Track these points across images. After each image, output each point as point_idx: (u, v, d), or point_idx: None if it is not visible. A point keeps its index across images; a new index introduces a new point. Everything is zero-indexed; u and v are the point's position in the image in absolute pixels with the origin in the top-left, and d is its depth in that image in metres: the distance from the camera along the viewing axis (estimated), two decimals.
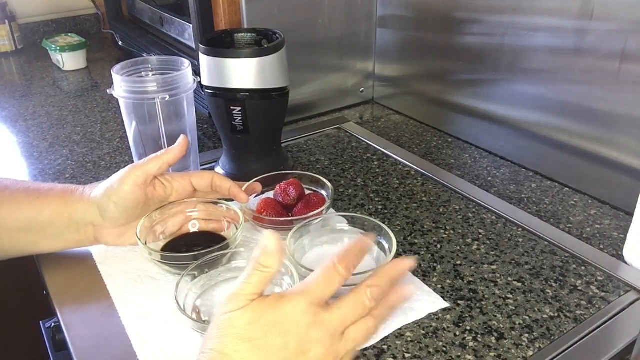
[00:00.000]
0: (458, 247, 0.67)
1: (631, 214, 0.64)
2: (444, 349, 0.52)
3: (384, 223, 0.62)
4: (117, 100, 0.72)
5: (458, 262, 0.64)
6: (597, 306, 0.57)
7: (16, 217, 0.57)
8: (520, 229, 0.70)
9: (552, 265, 0.63)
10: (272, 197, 0.70)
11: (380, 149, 0.92)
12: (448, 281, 0.61)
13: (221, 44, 0.79)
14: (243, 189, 0.66)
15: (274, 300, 0.41)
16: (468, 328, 0.55)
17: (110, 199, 0.58)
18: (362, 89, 1.11)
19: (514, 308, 0.57)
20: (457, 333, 0.54)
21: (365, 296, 0.43)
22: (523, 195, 0.78)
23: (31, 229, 0.57)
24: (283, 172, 0.75)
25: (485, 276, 0.62)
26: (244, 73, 0.73)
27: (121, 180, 0.58)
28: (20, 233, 0.57)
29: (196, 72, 0.77)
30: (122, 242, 0.62)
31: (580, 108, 0.76)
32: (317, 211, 0.66)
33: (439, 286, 0.60)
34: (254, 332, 0.39)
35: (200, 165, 0.83)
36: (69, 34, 1.44)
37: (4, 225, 0.57)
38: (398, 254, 0.65)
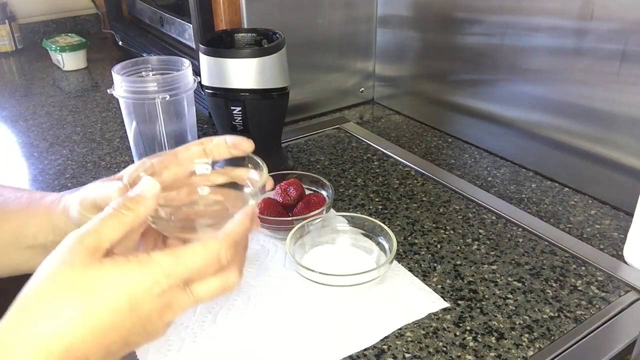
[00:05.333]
0: (458, 247, 0.67)
1: (631, 214, 0.64)
2: (444, 349, 0.52)
3: (384, 223, 0.62)
4: (117, 100, 0.73)
5: (458, 262, 0.64)
6: (597, 306, 0.57)
7: (2, 229, 0.51)
8: (520, 229, 0.70)
9: (552, 265, 0.63)
10: (272, 197, 0.70)
11: (380, 149, 0.92)
12: (448, 281, 0.61)
13: (221, 44, 0.79)
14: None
15: (124, 262, 0.36)
16: (468, 328, 0.55)
17: (79, 219, 0.48)
18: (362, 89, 1.11)
19: (514, 308, 0.57)
20: (457, 333, 0.54)
21: (222, 262, 0.38)
22: (523, 195, 0.78)
23: (19, 244, 0.51)
24: (283, 172, 0.75)
25: (486, 276, 0.62)
26: (244, 73, 0.73)
27: (82, 206, 0.47)
28: (9, 248, 0.51)
29: (196, 72, 0.78)
30: None
31: (580, 108, 0.76)
32: (317, 211, 0.66)
33: (439, 286, 0.60)
34: (93, 293, 0.34)
35: None
36: (69, 34, 1.44)
37: None
38: (398, 254, 0.65)
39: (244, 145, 0.49)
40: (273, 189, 0.72)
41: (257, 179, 0.47)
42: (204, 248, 0.38)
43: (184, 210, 0.46)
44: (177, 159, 0.49)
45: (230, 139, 0.49)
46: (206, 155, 0.49)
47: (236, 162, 0.49)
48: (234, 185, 0.49)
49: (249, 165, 0.48)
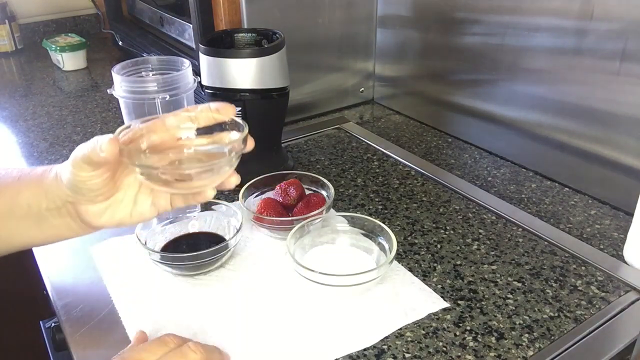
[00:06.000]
0: (458, 247, 0.67)
1: (631, 214, 0.64)
2: (444, 349, 0.52)
3: (384, 223, 0.62)
4: (117, 100, 0.72)
5: (458, 262, 0.64)
6: (597, 306, 0.57)
7: None
8: (520, 229, 0.70)
9: (552, 265, 0.63)
10: (272, 197, 0.70)
11: (380, 149, 0.92)
12: (448, 281, 0.61)
13: (221, 44, 0.79)
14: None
15: None
16: (468, 328, 0.55)
17: (71, 179, 0.47)
18: (362, 89, 1.11)
19: (514, 308, 0.57)
20: (457, 333, 0.54)
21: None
22: (523, 195, 0.78)
23: (13, 215, 0.50)
24: (283, 172, 0.75)
25: (485, 276, 0.62)
26: (244, 73, 0.73)
27: (73, 164, 0.46)
28: (3, 220, 0.51)
29: (196, 72, 0.77)
30: (104, 223, 0.50)
31: (580, 108, 0.76)
32: (317, 211, 0.66)
33: (439, 286, 0.60)
34: None
35: None
36: (69, 34, 1.44)
37: None
38: (398, 254, 0.65)
39: (227, 109, 0.51)
40: (273, 188, 0.72)
41: (238, 137, 0.49)
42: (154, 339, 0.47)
43: (171, 159, 0.48)
44: (164, 125, 0.51)
45: (214, 104, 0.51)
46: (192, 121, 0.51)
47: (220, 127, 0.51)
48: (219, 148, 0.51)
49: (232, 128, 0.50)
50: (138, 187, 0.50)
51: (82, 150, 0.45)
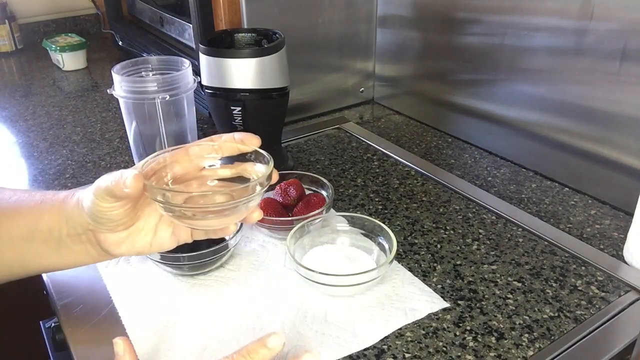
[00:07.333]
0: (458, 247, 0.67)
1: (631, 214, 0.64)
2: (444, 349, 0.52)
3: (384, 223, 0.62)
4: (117, 100, 0.72)
5: (458, 262, 0.64)
6: (597, 306, 0.57)
7: (17, 224, 0.50)
8: (520, 229, 0.70)
9: (552, 265, 0.63)
10: (272, 197, 0.70)
11: (380, 149, 0.92)
12: (448, 281, 0.61)
13: (221, 44, 0.79)
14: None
15: None
16: (468, 328, 0.55)
17: (92, 208, 0.47)
18: (362, 89, 1.11)
19: (514, 308, 0.57)
20: (457, 333, 0.54)
21: None
22: (523, 195, 0.78)
23: (33, 238, 0.50)
24: (283, 172, 0.75)
25: (485, 276, 0.62)
26: (244, 73, 0.73)
27: (96, 194, 0.46)
28: (23, 243, 0.50)
29: (196, 72, 0.77)
30: (123, 252, 0.50)
31: (580, 108, 0.76)
32: (317, 211, 0.66)
33: (439, 286, 0.60)
34: None
35: None
36: (69, 34, 1.44)
37: (5, 233, 0.50)
38: (398, 254, 0.65)
39: (251, 140, 0.51)
40: (273, 188, 0.72)
41: (263, 171, 0.49)
42: None
43: (194, 195, 0.48)
44: (187, 154, 0.51)
45: (238, 135, 0.51)
46: (215, 151, 0.51)
47: (244, 158, 0.51)
48: (242, 179, 0.51)
49: (256, 159, 0.50)
50: (159, 217, 0.50)
51: (105, 181, 0.45)
